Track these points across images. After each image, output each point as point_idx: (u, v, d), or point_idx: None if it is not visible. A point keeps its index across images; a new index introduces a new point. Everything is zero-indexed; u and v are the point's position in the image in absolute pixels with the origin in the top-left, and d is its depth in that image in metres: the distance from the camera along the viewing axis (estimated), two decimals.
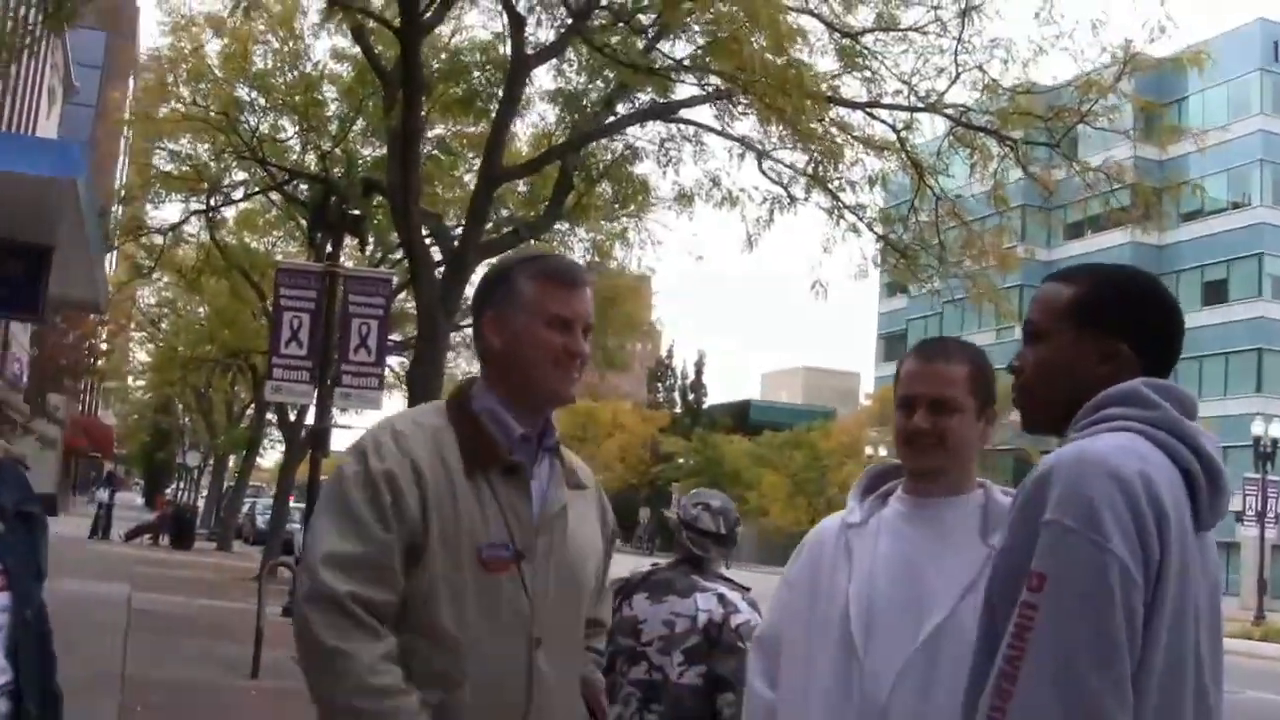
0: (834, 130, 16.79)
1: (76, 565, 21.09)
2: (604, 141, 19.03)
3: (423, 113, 17.13)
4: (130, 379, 55.41)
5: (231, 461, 51.29)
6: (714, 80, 16.66)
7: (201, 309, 38.21)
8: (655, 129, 18.88)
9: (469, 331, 31.10)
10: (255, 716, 11.23)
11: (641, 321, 37.42)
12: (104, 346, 46.00)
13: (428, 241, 19.01)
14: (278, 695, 11.86)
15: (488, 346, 2.94)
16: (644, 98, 18.08)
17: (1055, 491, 2.18)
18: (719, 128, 17.68)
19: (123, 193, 27.83)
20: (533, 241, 19.34)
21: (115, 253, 32.51)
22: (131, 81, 27.75)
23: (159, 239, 26.81)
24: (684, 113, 17.82)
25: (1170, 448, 2.30)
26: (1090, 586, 2.11)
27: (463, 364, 35.42)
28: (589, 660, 3.17)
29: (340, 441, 52.02)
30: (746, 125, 17.77)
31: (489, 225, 19.56)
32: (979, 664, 2.30)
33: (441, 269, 17.92)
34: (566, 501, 2.94)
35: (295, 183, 23.93)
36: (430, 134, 23.13)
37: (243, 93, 23.07)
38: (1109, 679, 2.09)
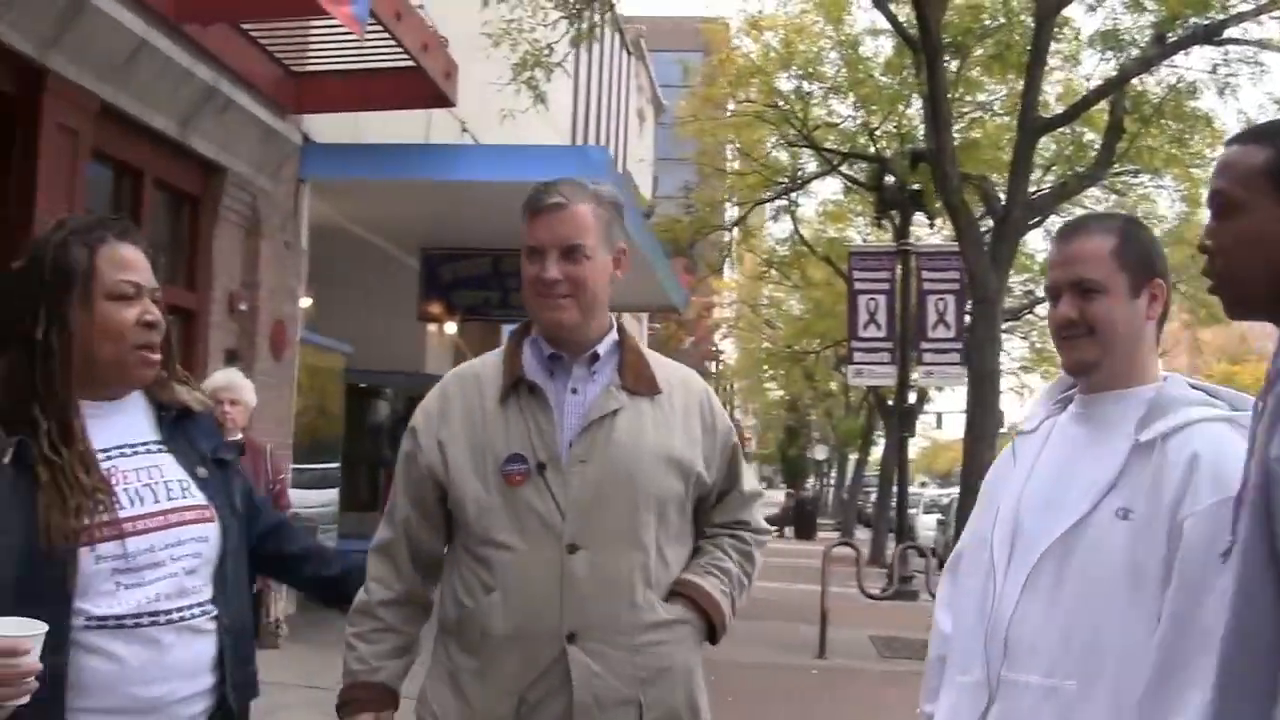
0: None
1: None
2: (1155, 78, 17.87)
3: (948, 73, 16.74)
4: (759, 378, 57.64)
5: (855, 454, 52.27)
6: None
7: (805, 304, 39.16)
8: (1204, 54, 17.56)
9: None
10: (815, 695, 11.57)
11: None
12: (720, 348, 48.13)
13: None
14: (835, 674, 12.45)
15: None
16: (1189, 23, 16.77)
17: None
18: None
19: (733, 197, 28.70)
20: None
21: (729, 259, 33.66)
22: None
23: (725, 236, 27.63)
24: (1232, 32, 16.35)
25: None
26: None
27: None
28: (700, 559, 3.11)
29: (942, 424, 51.91)
30: None
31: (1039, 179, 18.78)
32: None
33: (989, 231, 17.40)
34: (619, 408, 2.97)
35: (853, 164, 24.11)
36: (979, 98, 22.65)
37: (793, 83, 23.48)
38: None
